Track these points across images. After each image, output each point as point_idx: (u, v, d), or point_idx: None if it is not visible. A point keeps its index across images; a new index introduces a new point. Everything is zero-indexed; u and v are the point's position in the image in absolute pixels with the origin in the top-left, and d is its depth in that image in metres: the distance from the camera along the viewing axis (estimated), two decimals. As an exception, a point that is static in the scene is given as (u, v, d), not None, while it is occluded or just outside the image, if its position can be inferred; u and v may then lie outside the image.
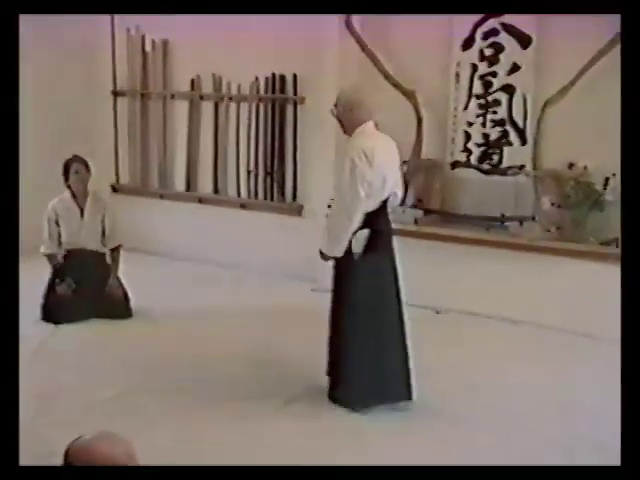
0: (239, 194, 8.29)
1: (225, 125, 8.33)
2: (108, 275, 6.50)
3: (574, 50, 6.23)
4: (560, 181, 6.42)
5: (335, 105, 4.84)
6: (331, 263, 4.88)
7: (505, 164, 6.75)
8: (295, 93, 7.80)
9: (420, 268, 6.39)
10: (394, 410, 4.82)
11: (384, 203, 4.77)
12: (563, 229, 6.41)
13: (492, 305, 6.55)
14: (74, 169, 6.39)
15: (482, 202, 6.83)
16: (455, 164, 6.96)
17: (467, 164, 6.90)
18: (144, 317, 6.52)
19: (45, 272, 6.43)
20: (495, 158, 6.79)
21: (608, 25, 5.71)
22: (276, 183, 8.01)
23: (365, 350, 4.75)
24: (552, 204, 6.42)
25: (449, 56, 6.86)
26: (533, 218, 6.57)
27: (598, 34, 6.06)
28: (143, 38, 8.55)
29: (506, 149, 6.74)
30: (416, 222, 6.91)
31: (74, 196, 6.46)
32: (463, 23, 6.71)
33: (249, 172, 8.15)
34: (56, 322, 6.27)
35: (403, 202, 6.78)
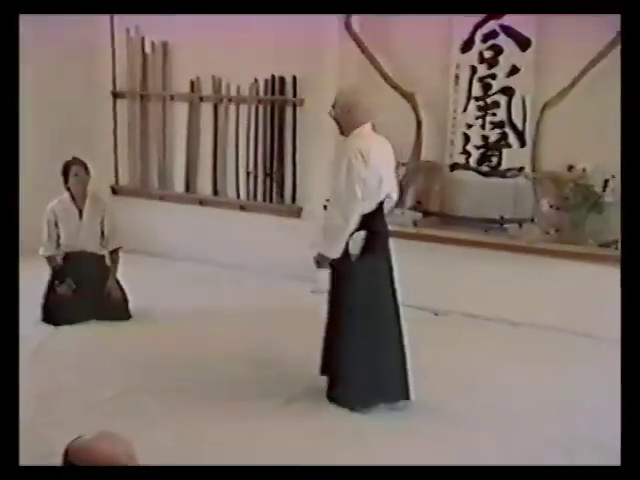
0: (238, 196, 8.30)
1: (224, 127, 8.33)
2: (107, 277, 6.49)
3: (573, 52, 6.23)
4: (559, 183, 6.42)
5: (333, 106, 4.85)
6: (323, 275, 4.88)
7: (504, 166, 6.75)
8: (294, 95, 7.81)
9: (419, 270, 6.40)
10: (394, 410, 4.83)
11: (380, 205, 4.78)
12: (562, 231, 6.41)
13: (491, 307, 6.55)
14: (73, 171, 6.37)
15: (481, 204, 6.83)
16: (454, 166, 6.96)
17: (466, 166, 6.90)
18: (144, 318, 6.52)
19: (45, 273, 6.43)
20: (494, 160, 6.80)
21: (607, 27, 5.72)
22: (275, 185, 8.02)
23: (363, 350, 4.76)
24: (551, 206, 6.43)
25: (448, 58, 6.86)
26: (532, 220, 6.58)
27: (597, 36, 6.07)
28: (143, 39, 8.56)
29: (505, 151, 6.75)
30: (415, 224, 6.92)
31: (73, 198, 6.45)
32: (462, 25, 6.72)
33: (248, 173, 8.16)
34: (56, 323, 6.27)
35: (399, 204, 6.80)
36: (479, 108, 6.80)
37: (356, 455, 4.24)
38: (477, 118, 6.82)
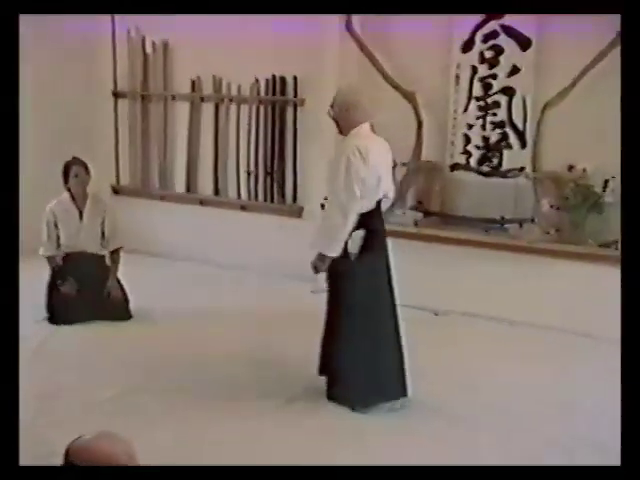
0: (239, 196, 8.30)
1: (225, 127, 8.33)
2: (107, 277, 6.49)
3: (574, 52, 6.23)
4: (559, 183, 6.42)
5: (331, 105, 4.85)
6: (323, 275, 4.88)
7: (505, 166, 6.75)
8: (295, 95, 7.81)
9: (420, 270, 6.41)
10: (393, 410, 4.83)
11: (378, 204, 4.78)
12: (562, 231, 6.41)
13: (492, 307, 6.55)
14: (74, 172, 6.36)
15: (482, 204, 6.82)
16: (455, 166, 6.96)
17: (467, 166, 6.90)
18: (144, 318, 6.51)
19: (45, 272, 6.43)
20: (495, 160, 6.79)
21: (608, 27, 5.72)
22: (276, 185, 8.02)
23: (362, 350, 4.77)
24: (551, 206, 6.43)
25: (449, 58, 6.85)
26: (532, 220, 6.58)
27: (598, 36, 6.06)
28: (143, 39, 8.55)
29: (506, 151, 6.74)
30: (416, 224, 6.92)
31: (73, 198, 6.44)
32: (463, 25, 6.71)
33: (249, 173, 8.15)
34: (62, 322, 6.26)
35: (400, 204, 6.82)
36: (480, 108, 6.79)
37: (356, 455, 4.23)
38: (478, 118, 6.81)
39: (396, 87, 6.98)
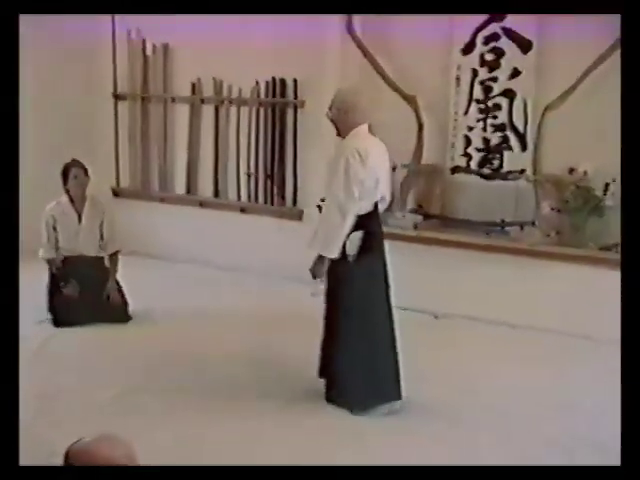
0: (239, 198, 8.29)
1: (225, 129, 8.33)
2: (107, 279, 6.48)
3: (574, 55, 6.23)
4: (560, 186, 6.42)
5: (330, 107, 4.85)
6: (322, 280, 4.88)
7: (505, 169, 6.75)
8: (295, 97, 7.81)
9: (420, 273, 6.42)
10: (393, 411, 4.82)
11: (376, 205, 4.79)
12: (563, 234, 6.41)
13: (492, 310, 6.55)
14: (73, 174, 6.35)
15: (482, 207, 6.83)
16: (455, 169, 6.96)
17: (467, 169, 6.90)
18: (144, 319, 6.51)
19: (45, 273, 6.43)
20: (495, 163, 6.79)
21: (608, 30, 5.71)
22: (276, 187, 8.01)
23: (360, 352, 4.77)
24: (552, 209, 6.43)
25: (449, 60, 6.85)
26: (533, 223, 6.57)
27: (598, 39, 6.06)
28: (144, 42, 8.55)
29: (506, 154, 6.74)
30: (416, 227, 6.91)
31: (72, 200, 6.43)
32: (464, 27, 6.72)
33: (249, 176, 8.15)
34: (66, 325, 6.24)
35: (401, 207, 6.83)
36: (480, 111, 6.79)
37: (356, 455, 4.24)
38: (478, 121, 6.82)
39: (397, 89, 6.98)
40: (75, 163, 6.39)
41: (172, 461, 3.52)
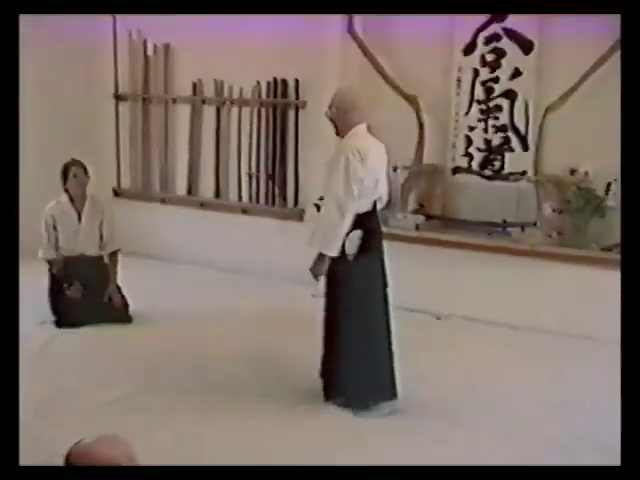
0: (240, 199, 8.29)
1: (227, 129, 8.33)
2: (107, 280, 6.48)
3: (576, 56, 6.23)
4: (561, 187, 6.42)
5: (329, 106, 4.86)
6: (322, 280, 4.88)
7: (507, 169, 6.75)
8: (297, 97, 7.82)
9: (421, 273, 6.42)
10: (394, 411, 4.82)
11: (374, 204, 4.80)
12: (564, 235, 6.40)
13: (494, 310, 6.54)
14: (73, 173, 6.35)
15: (483, 207, 6.82)
16: (456, 169, 6.96)
17: (469, 170, 6.89)
18: (145, 319, 6.51)
19: (45, 273, 6.43)
20: (497, 164, 6.79)
21: (609, 31, 5.71)
22: (277, 187, 8.01)
23: (360, 351, 4.76)
24: (553, 210, 6.43)
25: (450, 61, 6.86)
26: (535, 224, 6.56)
27: (599, 40, 6.06)
28: (145, 42, 8.56)
29: (508, 154, 6.74)
30: (417, 227, 6.90)
31: (72, 200, 6.42)
32: (465, 28, 6.72)
33: (250, 176, 8.15)
34: (69, 326, 6.23)
35: (402, 207, 6.82)
36: (481, 111, 6.79)
37: (356, 455, 4.23)
38: (479, 121, 6.82)
39: (397, 89, 6.98)
40: (75, 162, 6.39)
41: (172, 461, 3.51)
